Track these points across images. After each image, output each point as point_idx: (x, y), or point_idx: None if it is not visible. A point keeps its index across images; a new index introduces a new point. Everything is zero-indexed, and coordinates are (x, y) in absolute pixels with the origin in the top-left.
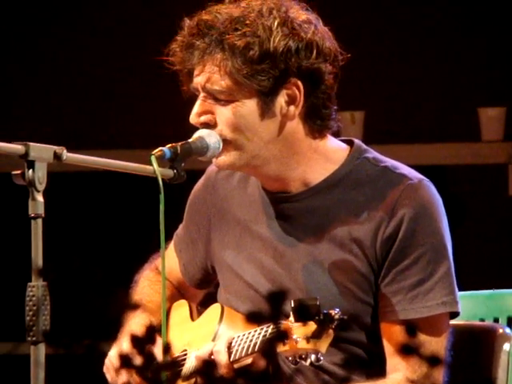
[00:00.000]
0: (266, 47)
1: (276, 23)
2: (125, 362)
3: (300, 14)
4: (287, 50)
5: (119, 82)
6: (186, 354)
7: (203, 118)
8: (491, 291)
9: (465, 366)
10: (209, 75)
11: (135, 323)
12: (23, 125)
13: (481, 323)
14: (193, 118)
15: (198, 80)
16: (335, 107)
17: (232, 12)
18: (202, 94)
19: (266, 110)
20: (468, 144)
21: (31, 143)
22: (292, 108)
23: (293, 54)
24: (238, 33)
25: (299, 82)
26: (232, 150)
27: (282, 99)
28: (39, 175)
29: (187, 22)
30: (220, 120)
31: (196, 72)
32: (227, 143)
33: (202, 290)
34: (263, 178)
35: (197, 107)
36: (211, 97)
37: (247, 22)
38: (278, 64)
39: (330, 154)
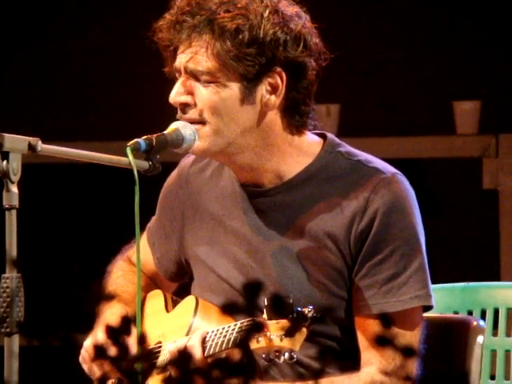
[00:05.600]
0: (255, 33)
1: (267, 11)
2: (100, 352)
3: (290, 7)
4: (276, 39)
5: (95, 74)
6: (160, 346)
7: (183, 98)
8: (465, 284)
9: (439, 358)
10: (193, 55)
11: (110, 314)
12: None
13: (455, 316)
14: (172, 98)
15: (181, 58)
16: (314, 106)
17: None
18: (182, 75)
19: (246, 96)
20: (442, 137)
21: (5, 134)
22: (273, 98)
23: (280, 44)
24: (229, 15)
25: (283, 73)
26: (208, 135)
27: (263, 87)
28: (14, 166)
29: (177, 0)
30: (199, 100)
31: (180, 50)
32: (203, 126)
33: (177, 282)
34: (236, 168)
35: (177, 87)
36: (193, 77)
37: (239, 5)
38: (265, 51)
39: (304, 147)
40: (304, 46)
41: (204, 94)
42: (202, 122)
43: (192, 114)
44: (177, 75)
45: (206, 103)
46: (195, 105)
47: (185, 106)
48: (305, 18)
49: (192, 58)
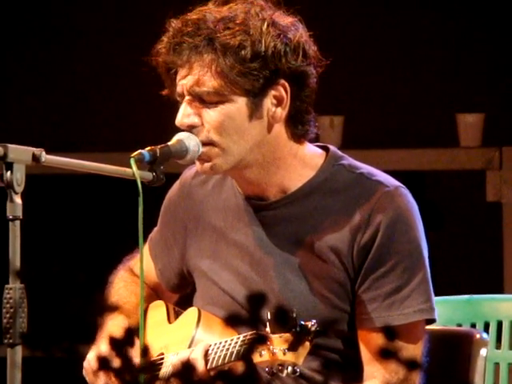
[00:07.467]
0: (257, 47)
1: (266, 24)
2: (103, 364)
3: (285, 17)
4: (277, 51)
5: (99, 85)
6: (163, 358)
7: (190, 121)
8: (468, 296)
9: (442, 370)
10: (197, 77)
11: (113, 325)
12: (1, 126)
13: (458, 328)
14: (179, 121)
15: (184, 83)
16: (314, 114)
17: (220, 11)
18: (187, 97)
19: (254, 112)
20: (446, 150)
21: (10, 145)
22: (279, 110)
23: (282, 56)
24: (230, 32)
25: (287, 84)
26: (218, 155)
27: (269, 101)
28: (17, 177)
29: (173, 22)
30: (207, 122)
31: (182, 74)
32: (213, 147)
33: (179, 293)
34: (243, 182)
35: (182, 110)
36: (198, 99)
37: (237, 21)
38: (268, 64)
39: (307, 159)
40: (303, 55)
41: (211, 114)
42: (212, 143)
43: (201, 136)
44: (179, 99)
45: (213, 123)
46: (202, 126)
47: (192, 128)
48: (300, 26)
49: (196, 80)
